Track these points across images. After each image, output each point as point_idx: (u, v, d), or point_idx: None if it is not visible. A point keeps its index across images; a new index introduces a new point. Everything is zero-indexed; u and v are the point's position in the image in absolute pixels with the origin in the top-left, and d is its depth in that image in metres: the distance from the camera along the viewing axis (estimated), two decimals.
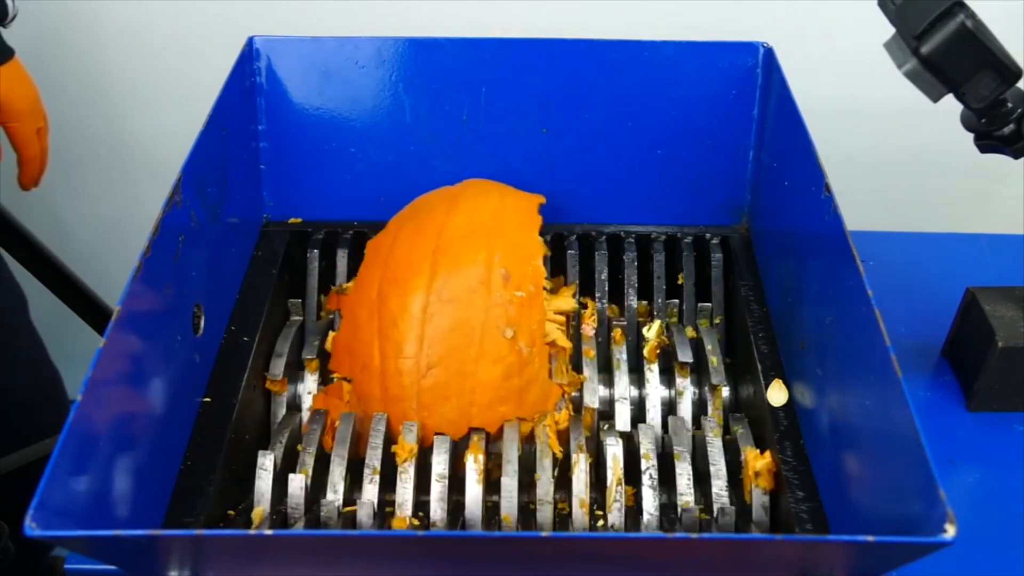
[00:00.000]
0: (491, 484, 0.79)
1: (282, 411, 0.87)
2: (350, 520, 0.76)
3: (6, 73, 1.10)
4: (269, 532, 0.56)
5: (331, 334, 0.91)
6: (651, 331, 0.92)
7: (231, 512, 0.77)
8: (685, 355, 0.88)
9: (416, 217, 0.90)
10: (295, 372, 0.89)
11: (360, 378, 0.84)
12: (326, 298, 0.96)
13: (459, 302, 0.82)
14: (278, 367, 0.87)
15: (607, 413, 0.87)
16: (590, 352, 0.88)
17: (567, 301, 0.90)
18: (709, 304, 0.95)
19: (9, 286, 1.28)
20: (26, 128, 1.13)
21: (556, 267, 0.96)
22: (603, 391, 0.88)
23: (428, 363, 0.81)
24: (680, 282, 0.97)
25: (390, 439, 0.80)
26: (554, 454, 0.79)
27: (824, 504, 0.72)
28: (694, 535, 0.54)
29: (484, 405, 0.80)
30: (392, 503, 0.77)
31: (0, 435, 1.26)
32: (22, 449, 1.20)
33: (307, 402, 0.88)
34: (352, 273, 0.96)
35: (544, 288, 0.85)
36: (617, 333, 0.92)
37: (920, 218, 1.48)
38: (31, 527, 0.52)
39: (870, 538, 0.52)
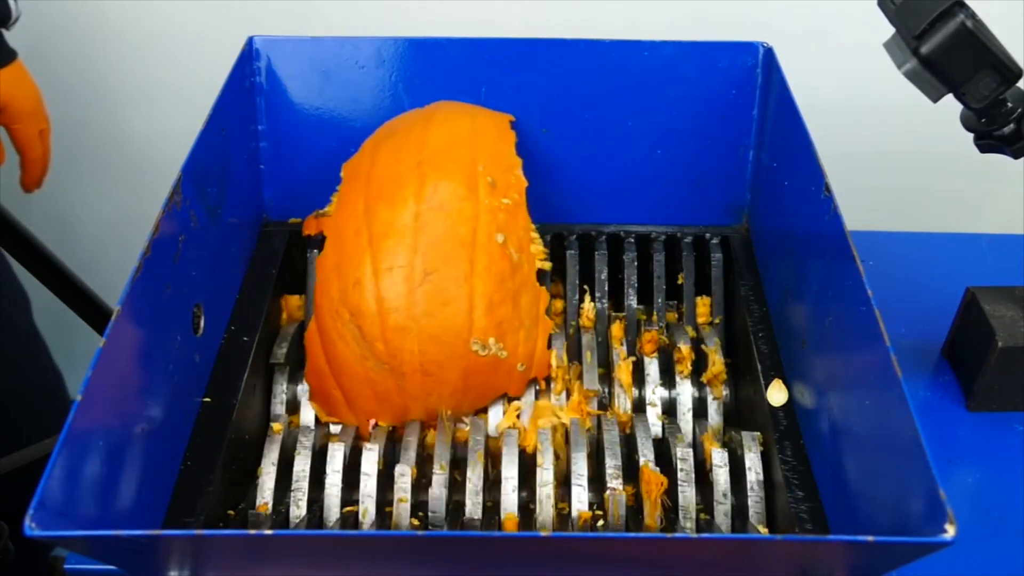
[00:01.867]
0: (491, 484, 0.79)
1: (281, 409, 0.87)
2: (350, 520, 0.77)
3: (9, 75, 1.10)
4: (269, 532, 0.56)
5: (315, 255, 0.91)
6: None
7: (231, 512, 0.77)
8: (684, 340, 0.89)
9: (393, 136, 0.90)
10: (296, 373, 0.89)
11: (353, 294, 0.82)
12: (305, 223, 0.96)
13: (449, 209, 0.82)
14: (280, 353, 0.87)
15: (604, 406, 0.87)
16: (587, 354, 0.88)
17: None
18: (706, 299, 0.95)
19: (12, 286, 1.28)
20: (29, 130, 1.13)
21: (556, 267, 0.96)
22: (604, 391, 0.88)
23: (424, 270, 0.81)
24: (680, 282, 0.97)
25: (393, 440, 0.80)
26: (555, 453, 0.79)
27: (824, 504, 0.72)
28: (694, 535, 0.54)
29: (484, 310, 0.81)
30: (391, 502, 0.77)
31: (2, 435, 1.26)
32: (23, 449, 1.21)
33: (307, 400, 0.88)
34: None
35: None
36: (616, 327, 0.92)
37: (920, 218, 1.48)
38: (31, 527, 0.52)
39: (870, 538, 0.52)
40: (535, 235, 0.88)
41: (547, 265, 0.89)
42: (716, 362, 0.87)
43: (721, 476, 0.77)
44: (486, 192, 0.84)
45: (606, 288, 0.96)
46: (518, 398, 0.86)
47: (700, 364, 0.89)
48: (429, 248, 0.81)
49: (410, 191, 0.83)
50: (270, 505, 0.76)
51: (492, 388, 0.85)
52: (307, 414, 0.87)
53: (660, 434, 0.86)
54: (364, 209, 0.84)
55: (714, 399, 0.87)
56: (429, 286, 0.80)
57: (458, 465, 0.80)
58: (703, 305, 0.96)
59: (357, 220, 0.84)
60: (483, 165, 0.85)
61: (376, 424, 0.84)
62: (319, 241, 0.97)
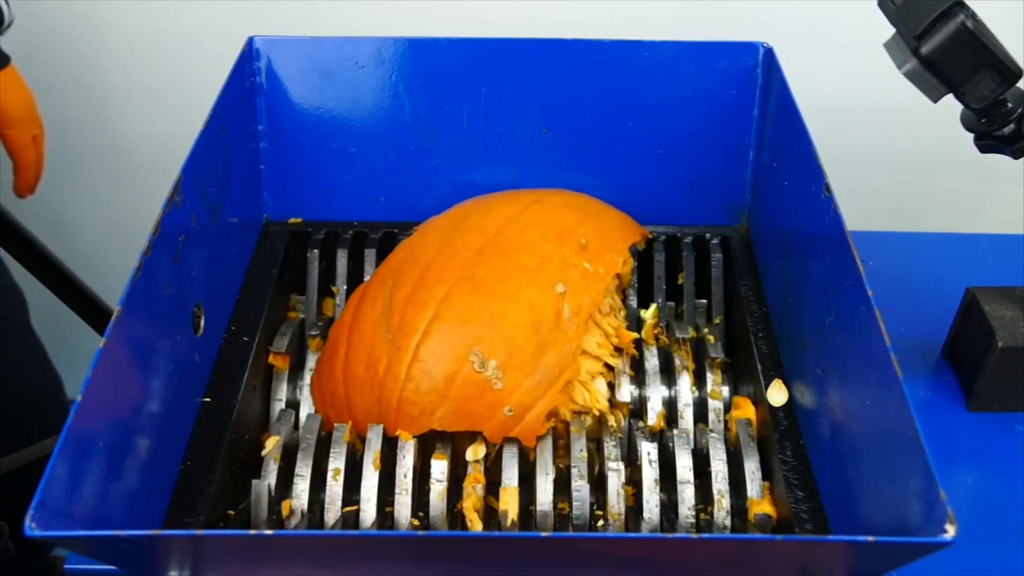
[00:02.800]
0: (492, 485, 0.79)
1: (281, 407, 0.87)
2: (350, 520, 0.77)
3: (2, 80, 1.09)
4: (269, 532, 0.56)
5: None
6: (648, 312, 0.93)
7: (231, 512, 0.77)
8: (683, 331, 0.89)
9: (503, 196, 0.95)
10: (295, 373, 0.89)
11: (404, 264, 0.85)
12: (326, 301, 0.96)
13: (529, 236, 0.83)
14: (282, 343, 0.87)
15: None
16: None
17: (623, 332, 0.87)
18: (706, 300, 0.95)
19: (8, 288, 1.28)
20: (22, 135, 1.13)
21: None
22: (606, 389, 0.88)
23: (475, 269, 0.81)
24: (680, 282, 0.97)
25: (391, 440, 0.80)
26: (554, 453, 0.79)
27: (824, 504, 0.72)
28: (694, 535, 0.54)
29: (502, 333, 0.78)
30: (391, 502, 0.77)
31: (2, 437, 1.26)
32: (21, 450, 1.20)
33: (307, 398, 0.88)
34: (352, 273, 0.96)
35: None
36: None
37: (920, 218, 1.49)
38: (31, 527, 0.52)
39: (870, 538, 0.52)
40: (616, 328, 0.85)
41: (614, 361, 0.85)
42: (716, 362, 0.87)
43: (721, 476, 0.77)
44: (574, 248, 0.84)
45: None
46: (489, 448, 0.80)
47: (700, 365, 0.89)
48: (492, 255, 0.81)
49: (507, 211, 0.87)
50: (305, 505, 0.76)
51: (470, 414, 0.78)
52: (307, 414, 0.87)
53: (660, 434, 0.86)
54: (464, 212, 0.89)
55: (714, 399, 0.87)
56: (469, 284, 0.80)
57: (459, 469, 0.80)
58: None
59: (454, 221, 0.89)
60: (587, 229, 0.86)
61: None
62: (319, 242, 0.98)
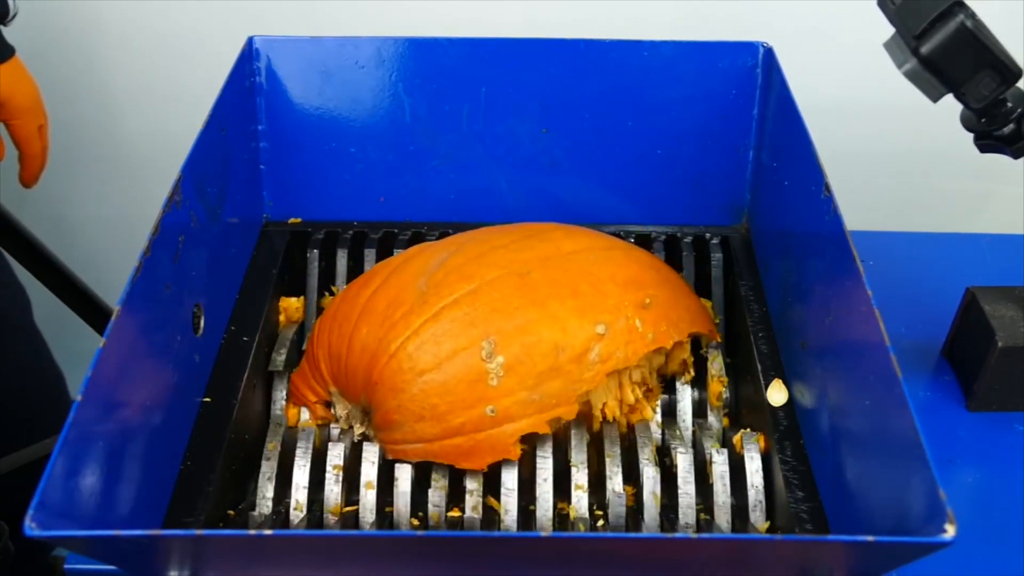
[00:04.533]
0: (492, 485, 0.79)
1: (281, 413, 0.87)
2: (350, 520, 0.77)
3: (7, 71, 1.10)
4: (269, 532, 0.56)
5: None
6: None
7: (231, 512, 0.77)
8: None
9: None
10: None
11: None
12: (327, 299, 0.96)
13: (599, 268, 0.82)
14: (279, 360, 0.87)
15: None
16: None
17: (646, 409, 0.85)
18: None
19: (12, 286, 1.28)
20: (28, 125, 1.14)
21: None
22: None
23: (532, 271, 0.81)
24: None
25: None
26: (553, 452, 0.79)
27: (824, 504, 0.72)
28: (694, 535, 0.54)
29: (524, 341, 0.77)
30: (391, 502, 0.77)
31: (3, 435, 1.26)
32: (23, 449, 1.20)
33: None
34: (352, 273, 0.96)
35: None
36: None
37: (920, 218, 1.48)
38: (31, 527, 0.52)
39: (870, 538, 0.52)
40: (632, 402, 0.83)
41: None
42: (716, 361, 0.87)
43: (721, 476, 0.77)
44: (635, 302, 0.81)
45: None
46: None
47: (700, 365, 0.89)
48: (555, 268, 0.82)
49: (593, 240, 0.88)
50: (270, 505, 0.76)
51: (453, 393, 0.76)
52: (307, 414, 0.87)
53: (660, 436, 0.86)
54: (552, 227, 0.90)
55: (713, 398, 0.87)
56: (519, 280, 0.80)
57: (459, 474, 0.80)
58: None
59: (540, 228, 0.90)
60: (658, 293, 0.83)
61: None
62: (319, 242, 0.98)
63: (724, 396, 0.88)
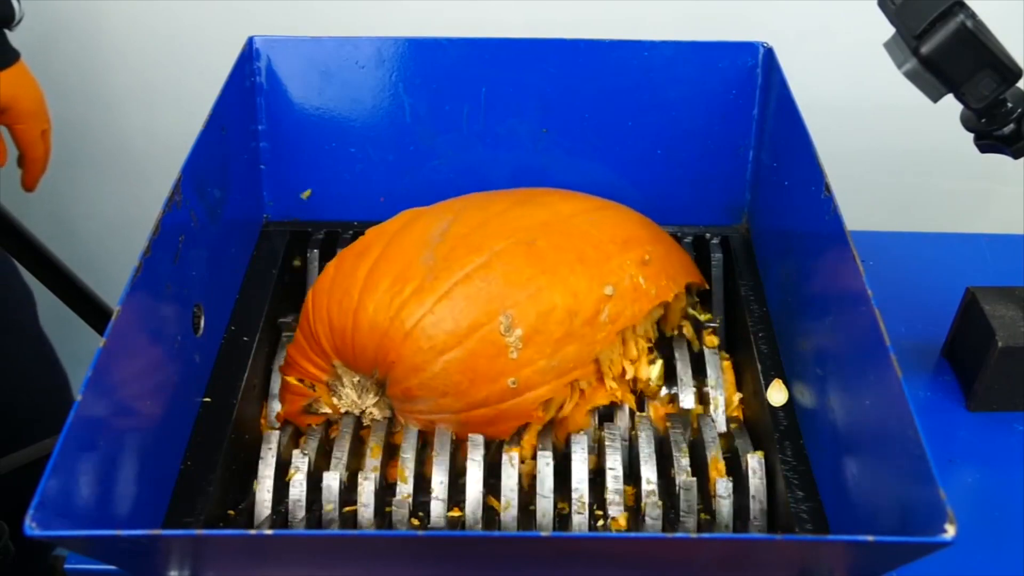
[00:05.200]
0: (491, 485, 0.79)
1: (278, 408, 0.87)
2: (350, 520, 0.77)
3: (12, 76, 1.10)
4: (269, 532, 0.56)
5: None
6: (654, 373, 0.90)
7: (231, 512, 0.77)
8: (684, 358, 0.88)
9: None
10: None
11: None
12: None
13: (599, 229, 0.84)
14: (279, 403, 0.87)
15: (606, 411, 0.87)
16: None
17: (645, 368, 0.86)
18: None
19: (17, 286, 1.28)
20: (31, 130, 1.13)
21: None
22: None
23: (537, 240, 0.81)
24: None
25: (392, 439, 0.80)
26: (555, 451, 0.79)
27: (824, 504, 0.72)
28: (694, 535, 0.54)
29: (539, 310, 0.78)
30: (391, 503, 0.77)
31: (9, 434, 1.26)
32: (22, 450, 1.20)
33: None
34: None
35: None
36: None
37: (920, 218, 1.48)
38: (31, 527, 0.52)
39: (870, 538, 0.52)
40: (636, 355, 0.84)
41: (619, 387, 0.83)
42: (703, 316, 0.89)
43: (721, 476, 0.77)
44: (636, 259, 0.83)
45: None
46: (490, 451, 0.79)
47: (700, 365, 0.89)
48: (558, 234, 0.82)
49: (584, 203, 0.89)
50: (270, 505, 0.76)
51: (475, 370, 0.77)
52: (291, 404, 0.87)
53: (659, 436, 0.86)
54: (541, 191, 0.92)
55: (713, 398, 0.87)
56: (527, 248, 0.80)
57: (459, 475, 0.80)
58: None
59: (530, 193, 0.92)
60: (654, 248, 0.86)
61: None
62: (319, 242, 0.98)
63: (720, 344, 0.91)
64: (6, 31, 1.09)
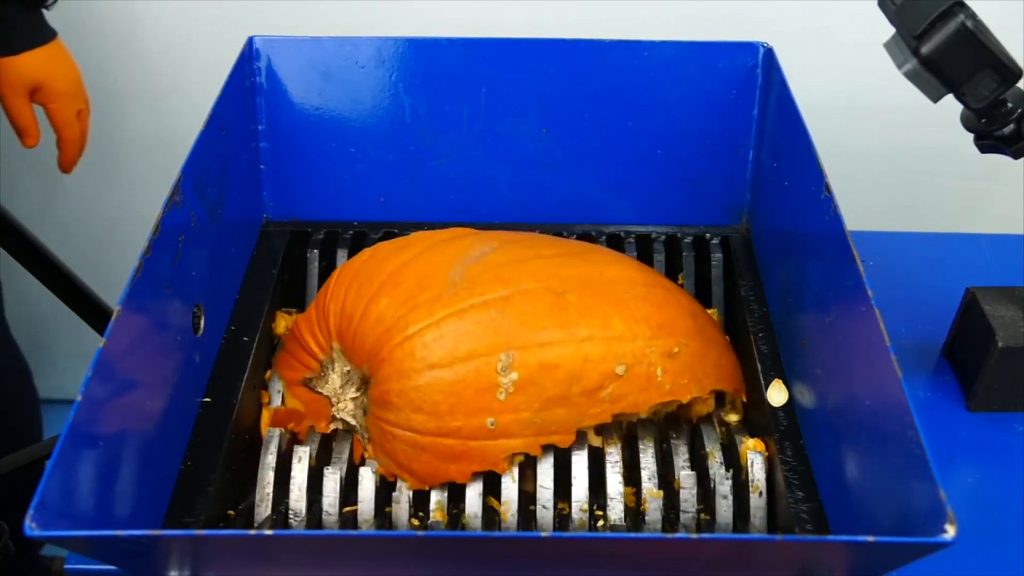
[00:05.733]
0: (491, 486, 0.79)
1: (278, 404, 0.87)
2: (350, 520, 0.77)
3: (47, 53, 1.08)
4: (269, 532, 0.56)
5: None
6: None
7: (231, 512, 0.77)
8: None
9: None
10: None
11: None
12: None
13: (636, 305, 0.79)
14: (276, 399, 0.87)
15: None
16: None
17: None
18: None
19: None
20: (66, 109, 1.12)
21: None
22: None
23: (567, 287, 0.78)
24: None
25: None
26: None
27: (824, 504, 0.72)
28: (694, 535, 0.54)
29: (546, 356, 0.75)
30: (391, 503, 0.77)
31: None
32: (23, 449, 1.20)
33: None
34: None
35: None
36: None
37: (920, 218, 1.48)
38: (31, 527, 0.52)
39: (870, 538, 0.52)
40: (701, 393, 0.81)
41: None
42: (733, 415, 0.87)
43: (721, 476, 0.77)
44: (663, 348, 0.78)
45: None
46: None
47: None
48: (591, 294, 0.79)
49: (639, 274, 0.85)
50: (270, 506, 0.76)
51: (458, 396, 0.74)
52: (278, 401, 0.87)
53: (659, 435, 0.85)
54: (606, 249, 0.91)
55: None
56: (554, 298, 0.78)
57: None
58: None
59: (591, 247, 0.90)
60: (689, 343, 0.80)
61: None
62: (319, 242, 0.98)
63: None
64: (44, 10, 1.08)
